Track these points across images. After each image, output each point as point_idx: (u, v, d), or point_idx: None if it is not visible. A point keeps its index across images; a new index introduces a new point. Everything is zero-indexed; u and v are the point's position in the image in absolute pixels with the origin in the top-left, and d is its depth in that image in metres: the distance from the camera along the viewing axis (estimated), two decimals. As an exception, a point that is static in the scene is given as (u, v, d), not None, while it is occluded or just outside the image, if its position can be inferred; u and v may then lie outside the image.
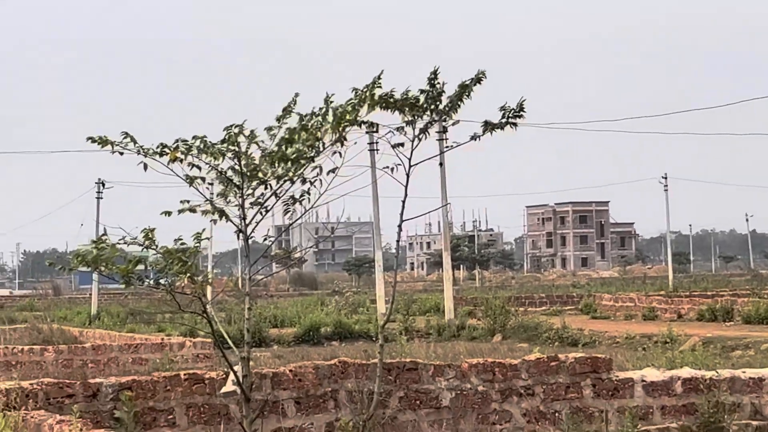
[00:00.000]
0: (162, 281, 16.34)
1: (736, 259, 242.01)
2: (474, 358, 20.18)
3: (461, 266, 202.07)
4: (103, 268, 15.69)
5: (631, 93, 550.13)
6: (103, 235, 16.22)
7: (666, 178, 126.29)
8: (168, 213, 16.39)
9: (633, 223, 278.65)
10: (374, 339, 52.42)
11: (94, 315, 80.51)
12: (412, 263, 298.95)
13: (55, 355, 36.78)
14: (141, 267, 16.08)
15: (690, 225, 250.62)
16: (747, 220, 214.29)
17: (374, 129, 17.25)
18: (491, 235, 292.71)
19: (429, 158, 17.74)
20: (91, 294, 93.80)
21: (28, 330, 49.59)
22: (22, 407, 15.50)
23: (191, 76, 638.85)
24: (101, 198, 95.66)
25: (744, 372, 20.53)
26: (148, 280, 16.25)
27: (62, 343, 41.40)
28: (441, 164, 17.45)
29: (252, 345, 18.48)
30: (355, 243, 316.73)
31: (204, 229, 15.98)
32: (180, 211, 16.38)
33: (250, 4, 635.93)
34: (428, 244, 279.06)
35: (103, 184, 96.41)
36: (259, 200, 16.27)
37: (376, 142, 61.25)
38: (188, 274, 15.72)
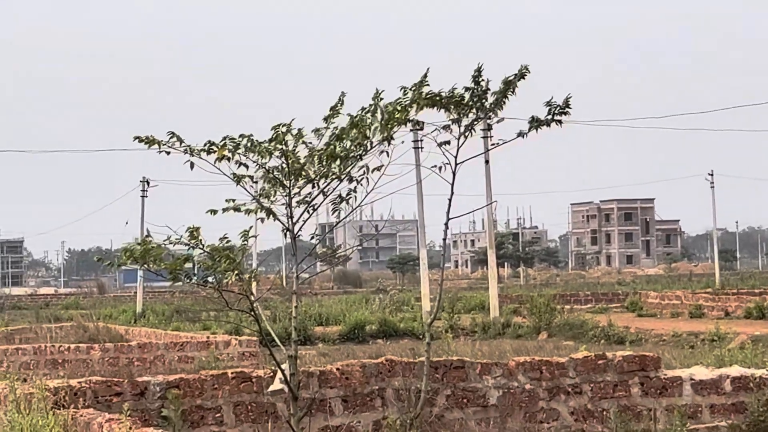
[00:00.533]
0: (210, 279, 16.45)
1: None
2: (520, 357, 20.27)
3: (505, 264, 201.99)
4: (151, 265, 15.81)
5: (677, 90, 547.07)
6: (147, 235, 16.34)
7: (712, 175, 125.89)
8: (213, 212, 16.45)
9: (678, 221, 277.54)
10: (419, 337, 52.59)
11: (140, 313, 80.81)
12: (456, 261, 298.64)
13: (101, 354, 36.90)
14: (188, 264, 16.22)
15: (736, 222, 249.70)
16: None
17: (420, 127, 17.32)
18: (535, 232, 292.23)
19: (475, 156, 17.79)
20: (136, 292, 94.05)
21: (74, 328, 49.91)
22: (71, 405, 15.65)
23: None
24: (146, 196, 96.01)
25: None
26: (195, 277, 16.36)
27: (108, 341, 41.52)
28: (487, 162, 17.25)
29: (299, 343, 18.62)
30: (399, 241, 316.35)
31: (251, 227, 16.06)
32: (225, 210, 16.46)
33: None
34: (472, 241, 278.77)
35: (148, 183, 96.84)
36: (306, 199, 16.35)
37: (421, 140, 61.27)
38: (236, 272, 15.82)
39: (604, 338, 46.89)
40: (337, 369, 18.25)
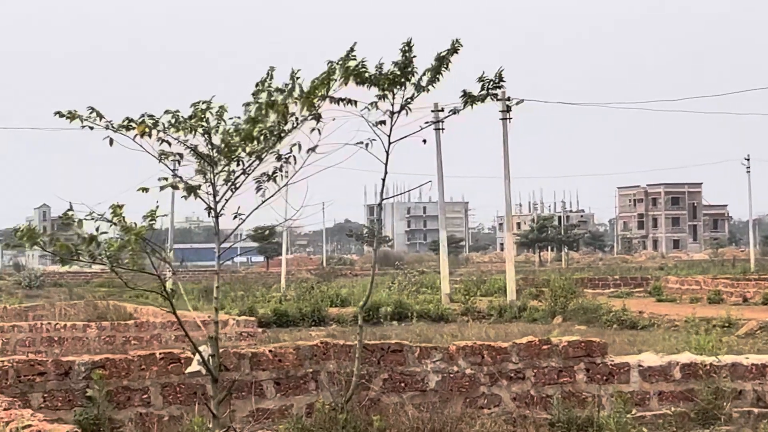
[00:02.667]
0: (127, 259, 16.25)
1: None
2: (463, 341, 19.90)
3: (548, 247, 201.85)
4: (47, 246, 15.60)
5: (726, 72, 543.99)
6: (69, 209, 16.13)
7: (748, 159, 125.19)
8: (145, 189, 16.26)
9: (726, 206, 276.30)
10: (434, 319, 52.49)
11: (170, 291, 79.90)
12: (502, 243, 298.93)
13: (97, 332, 36.96)
14: (93, 245, 16.01)
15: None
16: None
17: (353, 104, 16.95)
18: (582, 216, 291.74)
19: (407, 136, 17.40)
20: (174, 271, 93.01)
21: (86, 306, 50.03)
22: None
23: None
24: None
25: (747, 358, 20.36)
26: (99, 258, 16.11)
27: (115, 319, 41.57)
28: (424, 141, 16.68)
29: (311, 323, 18.53)
30: (447, 223, 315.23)
31: (158, 207, 15.86)
32: (162, 188, 16.26)
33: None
34: (518, 224, 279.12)
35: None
36: (229, 177, 16.14)
37: (442, 122, 61.12)
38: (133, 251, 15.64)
39: (616, 323, 46.56)
40: (270, 351, 18.15)
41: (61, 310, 49.81)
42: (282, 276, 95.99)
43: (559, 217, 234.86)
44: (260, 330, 40.97)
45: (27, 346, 34.61)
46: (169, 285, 17.96)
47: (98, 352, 27.49)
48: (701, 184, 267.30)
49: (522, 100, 44.67)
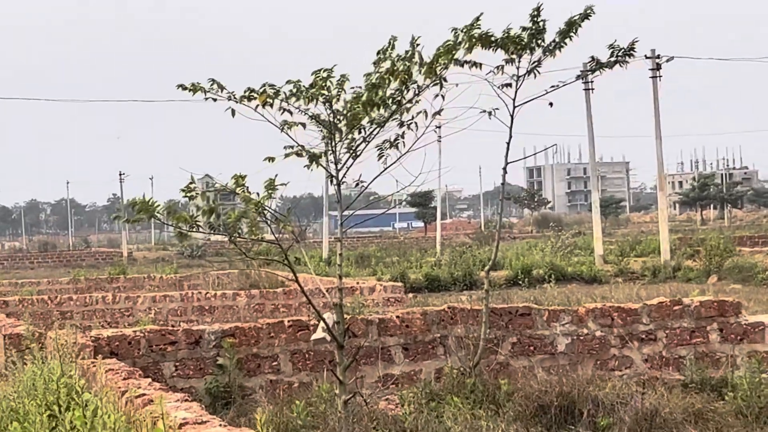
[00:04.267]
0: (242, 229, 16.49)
1: None
2: (591, 304, 20.13)
3: (710, 206, 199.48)
4: (162, 218, 15.87)
5: None
6: (191, 182, 16.36)
7: None
8: (271, 159, 16.44)
9: None
10: (587, 281, 52.34)
11: (326, 259, 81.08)
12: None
13: (247, 300, 37.49)
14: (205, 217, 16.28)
15: None
16: None
17: (478, 67, 17.05)
18: (745, 173, 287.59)
19: (533, 98, 17.50)
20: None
21: (239, 275, 50.47)
22: (112, 358, 15.82)
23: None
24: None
25: None
26: (219, 229, 16.33)
27: (267, 287, 41.93)
28: (551, 104, 16.48)
29: (463, 287, 18.61)
30: (607, 183, 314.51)
31: (276, 175, 16.01)
32: (287, 156, 16.46)
33: None
34: (680, 183, 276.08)
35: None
36: (351, 145, 16.25)
37: (590, 81, 60.86)
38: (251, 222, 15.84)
39: None
40: (398, 317, 18.36)
41: (215, 280, 50.48)
42: (437, 240, 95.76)
43: (722, 175, 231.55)
44: (410, 295, 40.92)
45: (179, 316, 35.11)
46: (296, 254, 18.23)
47: (247, 320, 27.90)
48: None
49: (672, 57, 43.56)
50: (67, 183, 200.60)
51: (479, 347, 17.44)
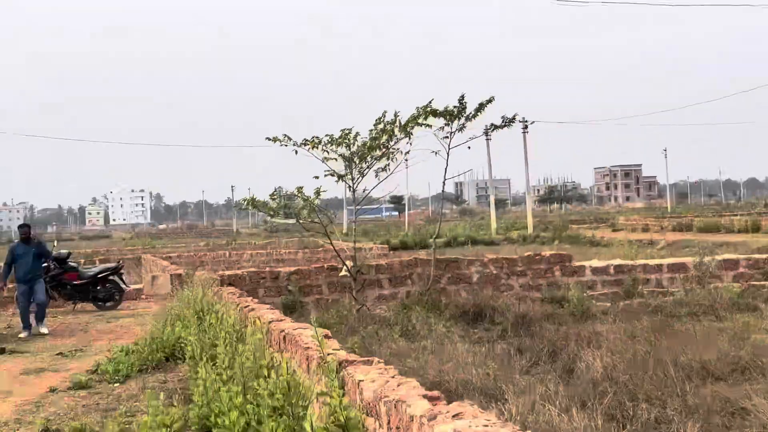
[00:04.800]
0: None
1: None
2: (492, 255, 20.71)
3: (555, 203, 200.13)
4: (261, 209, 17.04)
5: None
6: (274, 191, 17.51)
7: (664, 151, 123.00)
8: (317, 177, 17.46)
9: (655, 176, 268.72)
10: (487, 244, 52.85)
11: (345, 233, 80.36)
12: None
13: (302, 254, 40.13)
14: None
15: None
16: None
17: (430, 127, 17.49)
18: (573, 184, 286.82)
19: (459, 144, 17.95)
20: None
21: (297, 242, 51.29)
22: (228, 284, 16.69)
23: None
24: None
25: (652, 260, 20.61)
26: (291, 215, 17.47)
27: (313, 248, 42.52)
28: (468, 147, 17.07)
29: (420, 248, 19.00)
30: (498, 190, 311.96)
31: (320, 186, 16.98)
32: (326, 175, 17.39)
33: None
34: (538, 190, 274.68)
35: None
36: (360, 170, 17.33)
37: (488, 137, 62.48)
38: (309, 210, 16.94)
39: (589, 243, 46.12)
40: (385, 264, 18.95)
41: (285, 244, 50.96)
42: (406, 222, 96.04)
43: (561, 185, 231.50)
44: (391, 252, 41.58)
45: (265, 264, 35.55)
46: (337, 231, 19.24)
47: (303, 266, 28.63)
48: (640, 164, 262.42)
49: (533, 122, 44.04)
50: (203, 191, 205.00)
51: (430, 280, 17.86)
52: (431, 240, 24.19)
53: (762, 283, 19.03)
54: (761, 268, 19.67)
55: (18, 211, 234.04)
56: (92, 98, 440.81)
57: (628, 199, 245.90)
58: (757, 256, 20.79)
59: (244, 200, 18.00)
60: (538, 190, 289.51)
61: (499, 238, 57.05)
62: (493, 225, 65.42)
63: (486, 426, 4.36)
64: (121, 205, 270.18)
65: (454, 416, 4.67)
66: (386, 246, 44.36)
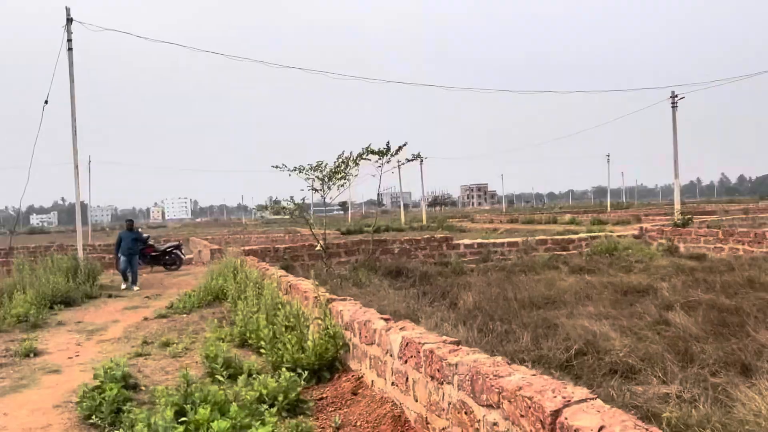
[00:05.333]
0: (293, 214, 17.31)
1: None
2: (407, 236, 20.47)
3: (440, 205, 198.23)
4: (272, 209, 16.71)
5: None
6: (276, 201, 17.21)
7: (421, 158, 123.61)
8: (302, 190, 17.23)
9: (493, 189, 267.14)
10: (396, 230, 52.74)
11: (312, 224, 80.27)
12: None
13: (291, 237, 36.43)
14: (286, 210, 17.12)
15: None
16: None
17: (370, 159, 17.24)
18: (449, 195, 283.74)
19: (386, 170, 17.98)
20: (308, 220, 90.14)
21: (285, 230, 51.13)
22: (249, 255, 16.54)
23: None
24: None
25: (498, 240, 20.53)
26: (287, 214, 17.21)
27: (293, 233, 42.12)
28: (392, 172, 16.38)
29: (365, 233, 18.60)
30: (404, 198, 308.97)
31: (303, 198, 16.76)
32: (310, 189, 16.93)
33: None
34: (427, 199, 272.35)
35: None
36: (329, 186, 17.06)
37: (401, 163, 63.12)
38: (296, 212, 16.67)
39: (459, 230, 45.43)
40: (343, 242, 18.97)
41: (287, 230, 50.13)
42: (349, 218, 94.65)
43: (441, 197, 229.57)
44: (342, 235, 41.21)
45: (265, 243, 34.55)
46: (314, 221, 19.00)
47: (287, 244, 27.80)
48: (487, 183, 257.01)
49: (426, 158, 43.04)
50: (223, 198, 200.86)
51: (370, 252, 17.89)
52: (367, 228, 24.02)
53: (560, 253, 19.24)
54: (559, 244, 19.99)
55: (106, 210, 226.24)
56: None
57: (480, 204, 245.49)
58: (557, 237, 21.25)
59: (269, 204, 17.69)
60: (428, 199, 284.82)
61: (406, 227, 56.63)
62: (402, 219, 65.36)
63: (421, 333, 4.53)
64: (173, 205, 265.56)
65: (400, 329, 4.83)
66: (339, 231, 43.83)
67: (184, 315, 11.01)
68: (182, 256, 20.62)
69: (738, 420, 4.73)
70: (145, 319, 10.84)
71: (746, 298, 9.71)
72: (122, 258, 15.45)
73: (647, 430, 2.21)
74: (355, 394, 5.21)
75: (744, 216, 31.99)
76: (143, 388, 5.97)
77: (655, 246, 19.11)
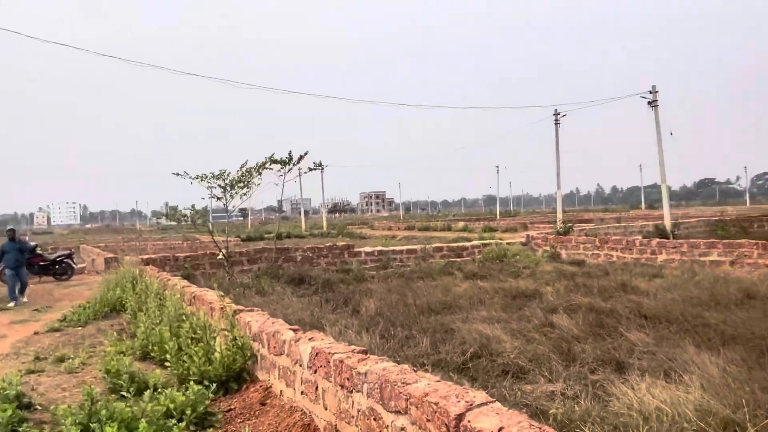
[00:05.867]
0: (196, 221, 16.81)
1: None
2: (310, 245, 20.39)
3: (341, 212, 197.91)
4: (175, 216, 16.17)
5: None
6: (172, 208, 16.66)
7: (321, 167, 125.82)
8: (204, 198, 16.75)
9: (392, 197, 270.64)
10: (300, 237, 52.29)
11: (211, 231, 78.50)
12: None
13: (190, 244, 35.60)
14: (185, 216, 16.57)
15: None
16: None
17: (272, 168, 17.13)
18: (348, 202, 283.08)
19: (290, 179, 17.99)
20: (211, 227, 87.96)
21: (182, 236, 49.34)
22: (148, 265, 15.85)
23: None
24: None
25: (397, 247, 20.58)
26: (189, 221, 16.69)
27: (193, 241, 40.73)
28: (295, 181, 16.38)
29: (262, 239, 18.04)
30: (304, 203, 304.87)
31: (205, 205, 16.40)
32: (211, 198, 16.67)
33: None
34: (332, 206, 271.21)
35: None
36: (231, 194, 16.74)
37: (300, 173, 62.61)
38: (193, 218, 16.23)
39: (359, 237, 44.35)
40: (245, 250, 18.49)
41: (185, 237, 47.92)
42: (249, 225, 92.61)
43: (341, 203, 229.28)
44: (242, 242, 40.15)
45: (162, 250, 33.31)
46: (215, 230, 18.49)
47: (185, 251, 26.66)
48: (384, 191, 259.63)
49: (327, 165, 43.43)
50: (116, 202, 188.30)
51: (272, 260, 17.57)
52: (268, 235, 23.66)
53: (455, 259, 19.76)
54: (454, 251, 20.60)
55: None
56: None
57: (378, 211, 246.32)
58: (452, 244, 21.92)
59: (168, 211, 17.01)
60: (328, 205, 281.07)
61: (307, 234, 55.94)
62: (303, 226, 64.89)
63: (330, 344, 4.64)
64: (59, 210, 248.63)
65: (310, 339, 4.91)
66: (239, 238, 42.78)
67: (79, 328, 10.45)
68: (74, 266, 19.49)
69: (614, 413, 5.15)
70: (36, 333, 10.18)
71: (619, 301, 10.54)
72: (8, 272, 14.31)
73: (540, 428, 2.44)
74: (263, 404, 5.22)
75: (617, 224, 34.47)
76: (39, 407, 5.66)
77: (540, 253, 20.18)
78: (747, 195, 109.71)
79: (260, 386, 5.55)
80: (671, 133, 34.56)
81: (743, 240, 15.89)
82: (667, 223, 27.27)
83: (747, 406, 4.95)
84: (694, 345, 7.10)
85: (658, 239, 18.47)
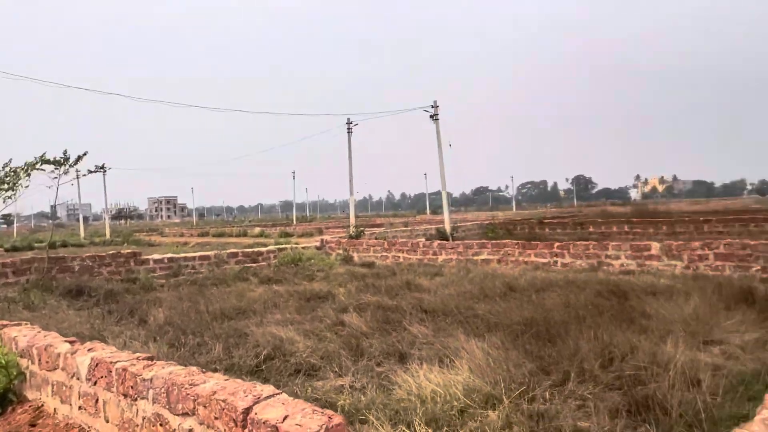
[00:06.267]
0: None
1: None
2: (90, 252, 18.43)
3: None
4: None
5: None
6: None
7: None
8: None
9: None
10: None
11: None
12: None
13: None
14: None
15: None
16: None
17: (44, 170, 15.20)
18: (136, 209, 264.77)
19: (64, 183, 16.59)
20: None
21: None
22: None
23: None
24: None
25: (189, 254, 19.24)
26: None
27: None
28: (72, 184, 15.28)
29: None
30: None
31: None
32: None
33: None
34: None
35: None
36: None
37: (78, 176, 56.55)
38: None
39: (148, 244, 40.97)
40: (10, 261, 16.00)
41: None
42: (15, 233, 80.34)
43: (126, 209, 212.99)
44: (6, 252, 34.70)
45: None
46: None
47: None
48: (176, 196, 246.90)
49: (110, 168, 40.27)
50: None
51: (44, 270, 15.51)
52: (39, 244, 21.22)
53: (250, 265, 19.38)
54: (249, 256, 20.30)
55: None
56: None
57: (169, 217, 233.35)
58: (247, 249, 21.60)
59: None
60: (112, 211, 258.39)
61: (87, 243, 50.79)
62: (82, 234, 59.17)
63: (113, 353, 4.40)
64: None
65: (89, 350, 4.61)
66: (1, 248, 37.60)
67: None
68: None
69: (396, 399, 5.59)
70: None
71: (404, 298, 11.35)
72: None
73: (323, 412, 2.62)
74: (33, 425, 4.74)
75: (404, 228, 36.92)
76: None
77: (334, 256, 20.84)
78: (513, 201, 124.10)
79: (30, 406, 5.03)
80: (450, 145, 37.93)
81: (508, 240, 18.02)
82: (447, 226, 29.84)
83: (504, 382, 5.68)
84: (465, 333, 7.94)
85: (439, 241, 20.19)
